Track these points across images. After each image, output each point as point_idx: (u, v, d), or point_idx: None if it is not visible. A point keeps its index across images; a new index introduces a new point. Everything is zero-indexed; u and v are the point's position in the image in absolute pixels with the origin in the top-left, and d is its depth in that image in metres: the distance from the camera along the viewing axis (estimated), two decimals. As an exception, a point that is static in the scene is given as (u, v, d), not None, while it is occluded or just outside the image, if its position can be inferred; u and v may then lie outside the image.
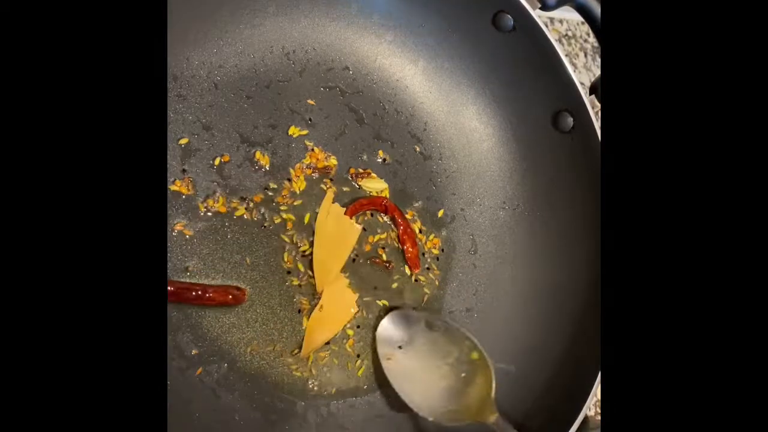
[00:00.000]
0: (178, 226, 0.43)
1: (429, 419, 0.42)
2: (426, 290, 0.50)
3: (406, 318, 0.46)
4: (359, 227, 0.47)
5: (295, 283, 0.46)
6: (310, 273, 0.46)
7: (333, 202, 0.47)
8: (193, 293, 0.41)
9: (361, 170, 0.50)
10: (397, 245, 0.49)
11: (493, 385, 0.42)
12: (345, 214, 0.47)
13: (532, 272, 0.51)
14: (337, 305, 0.46)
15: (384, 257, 0.49)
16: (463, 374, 0.44)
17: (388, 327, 0.46)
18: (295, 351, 0.45)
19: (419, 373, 0.44)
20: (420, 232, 0.51)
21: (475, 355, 0.44)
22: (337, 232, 0.46)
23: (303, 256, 0.46)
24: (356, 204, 0.48)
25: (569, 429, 0.41)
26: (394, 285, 0.49)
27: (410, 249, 0.49)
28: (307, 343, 0.44)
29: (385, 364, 0.45)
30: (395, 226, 0.49)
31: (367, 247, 0.48)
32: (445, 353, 0.45)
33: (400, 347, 0.45)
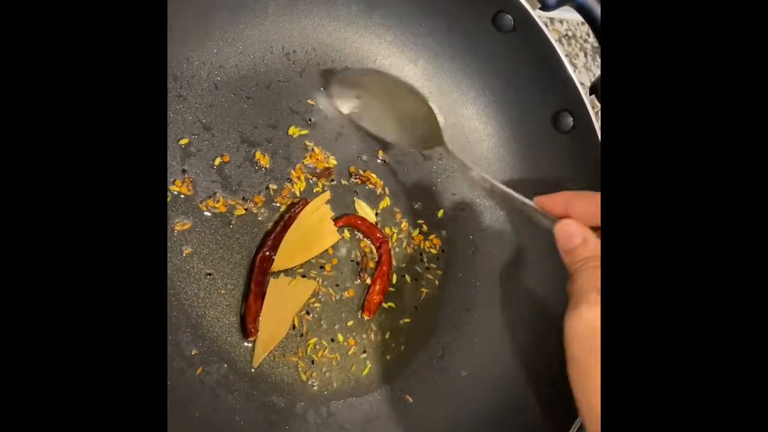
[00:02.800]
0: (178, 226, 0.43)
1: (410, 150, 0.49)
2: (425, 290, 0.50)
3: (353, 75, 0.50)
4: (338, 236, 0.47)
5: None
6: (310, 272, 0.46)
7: (326, 203, 0.47)
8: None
9: (361, 171, 0.50)
10: (395, 247, 0.49)
11: (439, 119, 0.47)
12: (335, 222, 0.47)
13: (531, 272, 0.51)
14: (284, 299, 0.45)
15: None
16: (421, 104, 0.48)
17: (340, 88, 0.49)
18: (297, 352, 0.45)
19: (386, 111, 0.49)
20: (420, 232, 0.51)
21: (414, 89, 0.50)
22: (316, 230, 0.46)
23: (303, 256, 0.46)
24: (351, 219, 0.48)
25: (569, 429, 0.41)
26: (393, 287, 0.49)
27: (376, 295, 0.47)
28: (259, 345, 0.43)
29: (352, 116, 0.49)
30: (378, 263, 0.48)
31: (365, 246, 0.48)
32: (398, 90, 0.49)
33: (358, 97, 0.49)
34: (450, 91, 0.53)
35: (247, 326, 0.42)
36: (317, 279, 0.46)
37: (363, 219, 0.48)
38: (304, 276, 0.46)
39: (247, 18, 0.48)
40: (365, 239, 0.48)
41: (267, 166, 0.47)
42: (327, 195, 0.47)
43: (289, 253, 0.45)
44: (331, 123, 0.50)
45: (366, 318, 0.47)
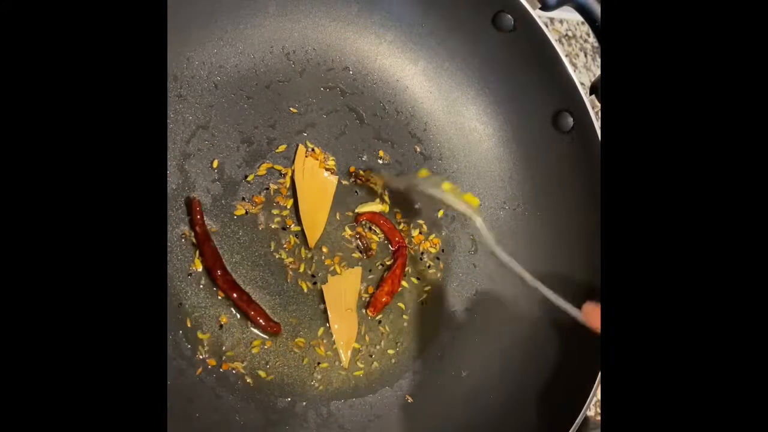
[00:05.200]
0: (178, 227, 0.43)
1: None
2: (426, 290, 0.50)
3: None
4: (335, 178, 0.48)
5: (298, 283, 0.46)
6: (311, 273, 0.46)
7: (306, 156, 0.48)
8: (236, 296, 0.43)
9: (361, 171, 0.50)
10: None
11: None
12: (359, 217, 0.48)
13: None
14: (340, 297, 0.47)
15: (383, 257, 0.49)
16: None
17: None
18: (297, 342, 0.45)
19: None
20: (420, 232, 0.51)
21: None
22: (315, 186, 0.47)
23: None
24: (374, 216, 0.49)
25: (569, 429, 0.41)
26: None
27: (384, 296, 0.47)
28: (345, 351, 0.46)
29: None
30: (393, 263, 0.48)
31: (361, 231, 0.48)
32: None
33: None
34: (450, 91, 0.53)
35: (263, 328, 0.44)
36: (323, 276, 0.46)
37: (386, 219, 0.49)
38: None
39: (247, 18, 0.48)
40: (365, 230, 0.48)
41: (267, 166, 0.47)
42: (302, 150, 0.48)
43: (312, 220, 0.46)
44: (331, 123, 0.50)
45: (370, 315, 0.47)
